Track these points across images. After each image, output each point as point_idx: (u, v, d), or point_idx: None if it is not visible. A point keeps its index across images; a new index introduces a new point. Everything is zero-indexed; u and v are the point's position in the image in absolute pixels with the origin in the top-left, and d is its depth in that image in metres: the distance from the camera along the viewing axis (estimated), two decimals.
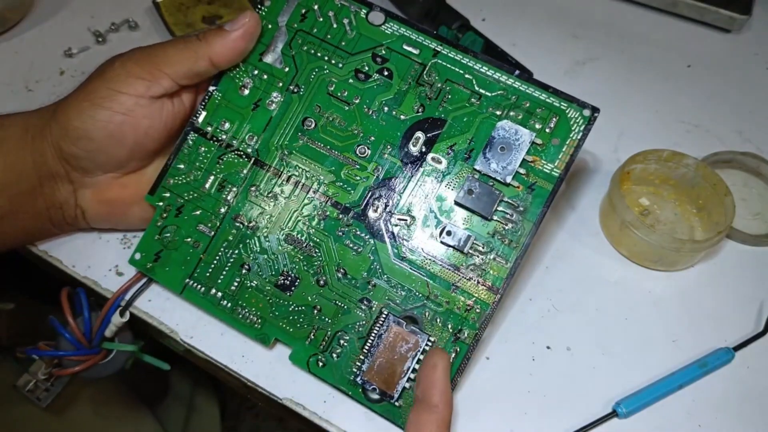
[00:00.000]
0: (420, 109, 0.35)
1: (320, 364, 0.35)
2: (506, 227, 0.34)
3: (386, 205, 0.35)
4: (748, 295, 0.40)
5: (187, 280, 0.36)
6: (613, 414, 0.36)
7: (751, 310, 0.40)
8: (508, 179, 0.34)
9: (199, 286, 0.36)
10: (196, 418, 0.59)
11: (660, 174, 0.43)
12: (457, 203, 0.35)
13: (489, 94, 0.35)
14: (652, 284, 0.41)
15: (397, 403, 0.34)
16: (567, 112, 0.35)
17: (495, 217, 0.34)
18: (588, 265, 0.41)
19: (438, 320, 0.34)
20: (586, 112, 0.35)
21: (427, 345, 0.34)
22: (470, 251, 0.34)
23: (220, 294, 0.36)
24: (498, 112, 0.35)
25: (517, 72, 0.35)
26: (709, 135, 0.47)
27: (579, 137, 0.34)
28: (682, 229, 0.42)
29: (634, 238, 0.39)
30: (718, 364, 0.37)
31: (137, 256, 0.37)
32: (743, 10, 0.50)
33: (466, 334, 0.34)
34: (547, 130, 0.34)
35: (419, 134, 0.35)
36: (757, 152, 0.45)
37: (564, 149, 0.34)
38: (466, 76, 0.35)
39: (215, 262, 0.36)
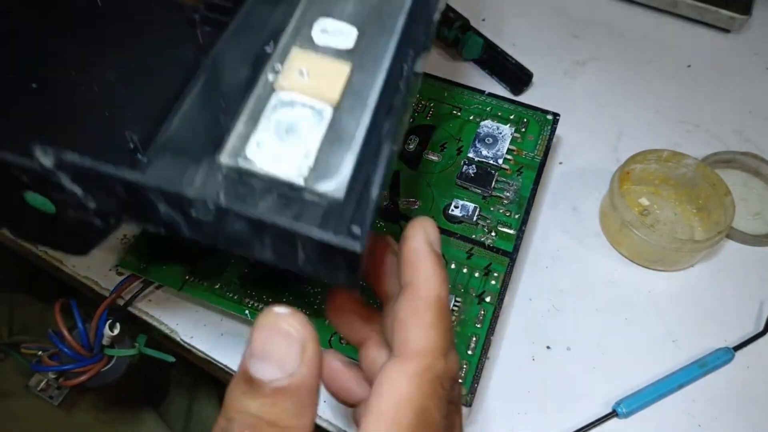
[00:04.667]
0: (410, 120, 0.42)
1: (343, 342, 0.34)
2: (505, 202, 0.39)
3: (392, 193, 0.39)
4: (748, 294, 0.40)
5: (188, 276, 0.36)
6: (613, 414, 0.36)
7: (752, 309, 0.40)
8: (500, 162, 0.39)
9: (201, 281, 0.36)
10: (195, 419, 0.59)
11: (660, 174, 0.43)
12: (457, 184, 0.39)
13: (468, 107, 0.43)
14: (652, 284, 0.41)
15: None
16: (534, 117, 0.42)
17: (494, 193, 0.39)
18: (588, 265, 0.41)
19: (459, 286, 0.36)
20: (549, 117, 0.42)
21: (455, 305, 0.35)
22: (478, 221, 0.38)
23: (225, 287, 0.35)
24: (478, 119, 0.42)
25: (487, 92, 0.43)
26: (709, 135, 0.47)
27: (549, 134, 0.41)
28: (682, 229, 0.42)
29: (634, 238, 0.39)
30: (718, 364, 0.37)
31: (129, 257, 0.36)
32: (743, 10, 0.50)
33: (490, 297, 0.36)
34: (522, 130, 0.41)
35: (413, 137, 0.41)
36: (757, 152, 0.45)
37: (539, 142, 0.41)
38: (446, 94, 0.43)
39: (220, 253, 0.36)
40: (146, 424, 0.51)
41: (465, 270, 0.36)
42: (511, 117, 0.42)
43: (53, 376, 0.40)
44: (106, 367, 0.38)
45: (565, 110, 0.41)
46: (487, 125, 0.40)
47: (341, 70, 0.23)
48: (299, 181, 0.20)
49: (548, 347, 0.38)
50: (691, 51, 0.51)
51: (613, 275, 0.41)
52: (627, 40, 0.52)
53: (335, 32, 0.25)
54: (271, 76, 0.23)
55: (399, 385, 0.19)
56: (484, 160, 0.39)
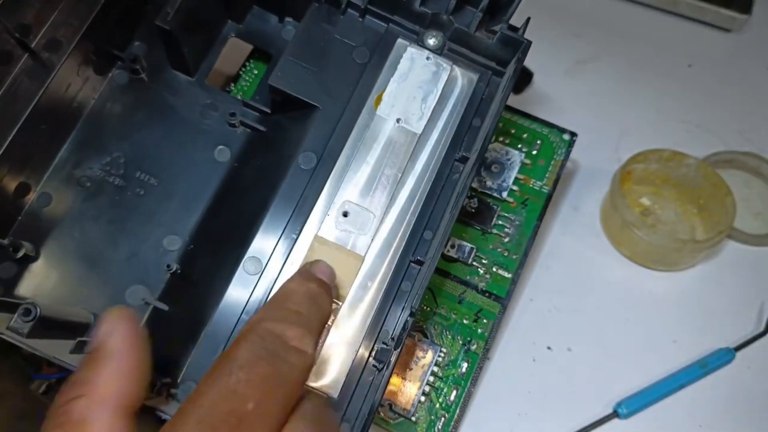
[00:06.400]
0: None
1: None
2: (505, 240, 0.36)
3: None
4: (748, 295, 0.40)
5: None
6: (614, 414, 0.36)
7: (752, 310, 0.40)
8: (504, 195, 0.36)
9: None
10: None
11: (661, 174, 0.43)
12: (456, 220, 0.36)
13: None
14: (653, 284, 0.40)
15: (413, 418, 0.33)
16: (549, 137, 0.38)
17: (494, 231, 0.36)
18: (589, 265, 0.41)
19: (447, 333, 0.34)
20: (566, 137, 0.38)
21: (439, 356, 0.34)
22: (474, 263, 0.35)
23: None
24: None
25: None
26: (710, 135, 0.47)
27: (562, 159, 0.38)
28: (683, 229, 0.42)
29: (635, 238, 0.39)
30: (719, 365, 0.37)
31: None
32: (744, 9, 0.50)
33: (476, 346, 0.34)
34: (534, 152, 0.38)
35: None
36: (758, 152, 0.45)
37: (550, 168, 0.38)
38: None
39: None
40: (146, 426, 0.51)
41: (454, 316, 0.35)
42: (524, 136, 0.38)
43: (55, 379, 0.40)
44: None
45: (565, 110, 0.41)
46: (496, 149, 0.37)
47: (353, 265, 0.27)
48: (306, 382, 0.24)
49: (549, 348, 0.38)
50: (691, 50, 0.51)
51: (614, 275, 0.41)
52: (628, 39, 0.52)
53: (355, 216, 0.28)
54: (293, 267, 0.27)
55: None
56: (487, 191, 0.36)
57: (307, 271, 0.26)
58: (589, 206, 0.43)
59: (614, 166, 0.41)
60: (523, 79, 0.47)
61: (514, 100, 0.45)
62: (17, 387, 0.43)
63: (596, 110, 0.48)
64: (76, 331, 0.27)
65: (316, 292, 0.24)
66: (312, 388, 0.25)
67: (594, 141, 0.46)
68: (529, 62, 0.48)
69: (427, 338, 0.34)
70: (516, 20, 0.30)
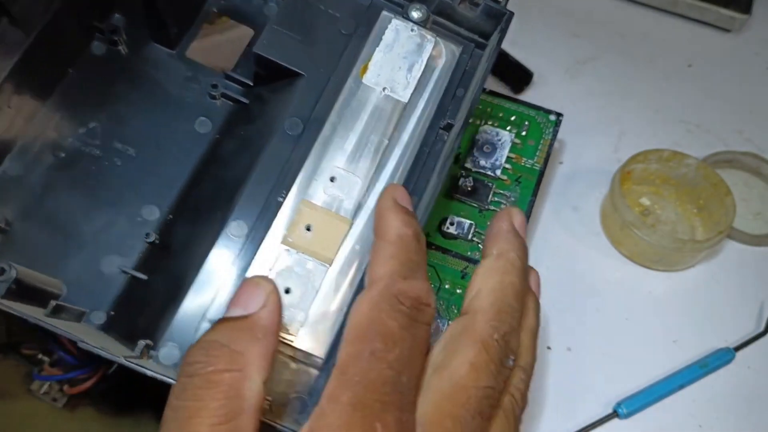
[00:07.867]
0: None
1: None
2: None
3: None
4: (748, 295, 0.40)
5: None
6: (614, 414, 0.36)
7: (752, 310, 0.40)
8: (498, 173, 0.38)
9: None
10: None
11: (661, 174, 0.43)
12: (453, 198, 0.38)
13: None
14: (653, 284, 0.40)
15: None
16: (536, 118, 0.40)
17: (491, 207, 0.38)
18: (589, 265, 0.41)
19: (454, 307, 0.35)
20: (552, 117, 0.40)
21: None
22: (474, 239, 0.37)
23: None
24: (478, 122, 0.40)
25: (487, 90, 0.41)
26: (710, 135, 0.47)
27: (550, 138, 0.40)
28: (683, 229, 0.42)
29: (634, 238, 0.39)
30: (719, 365, 0.37)
31: None
32: (743, 9, 0.50)
33: None
34: (523, 133, 0.40)
35: None
36: (758, 152, 0.45)
37: (539, 147, 0.39)
38: None
39: None
40: (150, 426, 0.51)
41: (459, 290, 0.36)
42: (512, 118, 0.40)
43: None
44: (110, 371, 0.37)
45: (565, 110, 0.41)
46: (486, 131, 0.39)
47: (341, 228, 0.27)
48: (293, 342, 0.25)
49: (548, 347, 0.38)
50: (691, 50, 0.51)
51: (614, 275, 0.41)
52: (627, 39, 0.52)
53: (341, 181, 0.28)
54: (278, 230, 0.26)
55: (357, 308, 0.21)
56: (481, 170, 0.38)
57: (395, 203, 0.23)
58: (588, 206, 0.43)
59: (614, 166, 0.41)
60: (523, 79, 0.47)
61: None
62: (18, 387, 0.43)
63: (596, 110, 0.48)
64: (48, 299, 0.26)
65: (418, 230, 0.23)
66: (299, 350, 0.25)
67: (594, 141, 0.46)
68: (529, 62, 0.48)
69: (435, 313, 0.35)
70: None
